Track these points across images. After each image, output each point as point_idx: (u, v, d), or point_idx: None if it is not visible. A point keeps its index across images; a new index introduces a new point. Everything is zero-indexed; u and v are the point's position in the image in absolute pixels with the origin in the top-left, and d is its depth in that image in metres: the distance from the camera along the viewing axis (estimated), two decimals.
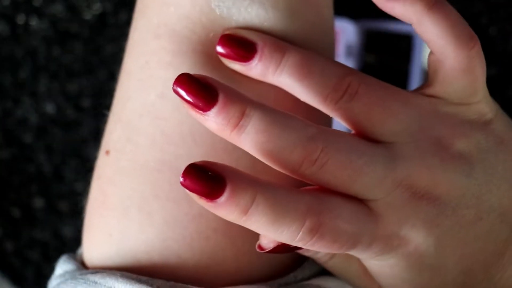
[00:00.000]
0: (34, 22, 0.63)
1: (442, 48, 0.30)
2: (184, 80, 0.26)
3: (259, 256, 0.31)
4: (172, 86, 0.26)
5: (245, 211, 0.26)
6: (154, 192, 0.30)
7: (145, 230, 0.30)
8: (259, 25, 0.29)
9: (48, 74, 0.63)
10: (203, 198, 0.25)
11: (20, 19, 0.63)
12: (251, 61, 0.29)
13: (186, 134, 0.29)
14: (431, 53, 0.31)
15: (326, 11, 0.32)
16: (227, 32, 0.29)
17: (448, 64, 0.30)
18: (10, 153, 0.64)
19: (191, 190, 0.25)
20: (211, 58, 0.30)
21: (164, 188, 0.30)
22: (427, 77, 0.32)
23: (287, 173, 0.27)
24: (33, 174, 0.64)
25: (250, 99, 0.27)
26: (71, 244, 0.65)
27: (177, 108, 0.30)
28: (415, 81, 0.63)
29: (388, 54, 0.63)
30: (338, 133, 0.28)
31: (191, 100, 0.26)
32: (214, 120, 0.26)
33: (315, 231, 0.26)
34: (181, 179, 0.25)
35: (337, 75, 0.29)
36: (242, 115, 0.26)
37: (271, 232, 0.26)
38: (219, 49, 0.29)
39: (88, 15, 0.62)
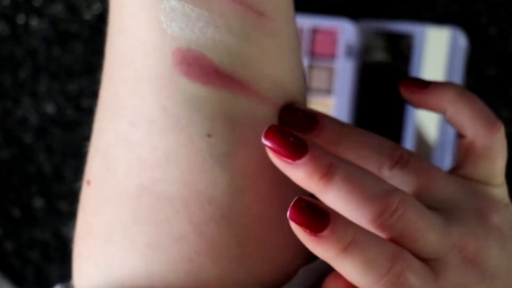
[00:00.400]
0: (34, 22, 0.63)
1: (475, 130, 0.32)
2: (273, 133, 0.28)
3: (245, 275, 0.31)
4: (262, 139, 0.28)
5: (344, 248, 0.27)
6: (135, 217, 0.30)
7: (129, 256, 0.30)
8: (213, 47, 0.29)
9: (48, 74, 0.63)
10: (308, 231, 0.27)
11: (20, 19, 0.63)
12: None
13: (161, 158, 0.30)
14: (461, 137, 0.33)
15: (285, 34, 0.31)
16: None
17: (480, 146, 0.32)
18: (10, 153, 0.64)
19: (297, 223, 0.27)
20: (171, 82, 0.29)
21: (144, 213, 0.30)
22: (457, 159, 0.34)
23: (365, 221, 0.28)
24: (33, 174, 0.64)
25: (333, 154, 0.29)
26: (71, 244, 0.65)
27: (149, 134, 0.30)
28: None
29: (388, 54, 0.63)
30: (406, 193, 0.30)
31: (281, 151, 0.28)
32: (303, 169, 0.28)
33: (397, 277, 0.27)
34: (289, 213, 0.27)
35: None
36: (330, 166, 0.28)
37: (359, 273, 0.27)
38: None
39: (88, 15, 0.62)
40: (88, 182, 0.32)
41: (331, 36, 0.62)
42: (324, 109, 0.63)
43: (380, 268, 0.27)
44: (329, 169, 0.28)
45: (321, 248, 0.27)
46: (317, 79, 0.63)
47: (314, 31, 0.62)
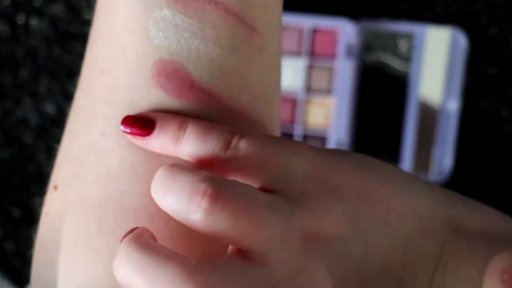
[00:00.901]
0: (34, 22, 0.63)
1: None
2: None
3: None
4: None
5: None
6: (100, 228, 0.30)
7: (92, 267, 0.30)
8: (197, 58, 0.29)
9: (49, 74, 0.63)
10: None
11: (20, 19, 0.63)
12: (150, 136, 0.30)
13: (129, 171, 0.30)
14: None
15: (271, 49, 0.32)
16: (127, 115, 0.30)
17: None
18: (10, 153, 0.64)
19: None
20: (147, 94, 0.30)
21: (110, 224, 0.30)
22: None
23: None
24: (33, 174, 0.64)
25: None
26: None
27: (119, 146, 0.30)
28: (415, 82, 0.63)
29: (388, 54, 0.63)
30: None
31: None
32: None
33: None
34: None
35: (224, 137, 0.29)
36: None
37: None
38: (122, 128, 0.30)
39: (88, 15, 0.62)
40: (55, 187, 0.32)
41: (331, 36, 0.62)
42: (323, 109, 0.63)
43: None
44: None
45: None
46: (317, 79, 0.63)
47: (314, 31, 0.62)
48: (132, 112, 0.30)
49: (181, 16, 0.29)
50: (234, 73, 0.30)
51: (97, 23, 0.31)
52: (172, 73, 0.29)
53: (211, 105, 0.30)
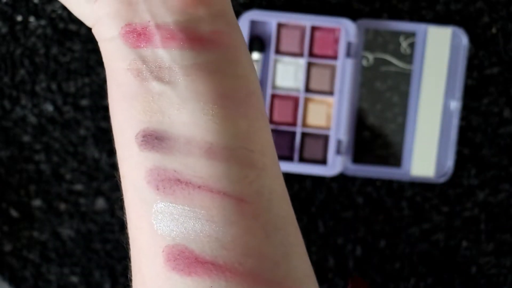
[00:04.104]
0: (32, 20, 0.62)
1: None
2: None
3: None
4: None
5: None
6: None
7: None
8: (196, 236, 0.32)
9: (47, 73, 0.63)
10: None
11: (19, 18, 0.62)
12: None
13: None
14: None
15: (267, 215, 0.33)
16: None
17: None
18: (9, 152, 0.64)
19: None
20: (166, 279, 0.33)
21: None
22: None
23: None
24: (31, 174, 0.64)
25: None
26: (69, 244, 0.65)
27: None
28: (416, 81, 0.63)
29: (389, 53, 0.63)
30: None
31: None
32: None
33: None
34: None
35: None
36: None
37: None
38: None
39: None
40: None
41: (332, 35, 0.62)
42: (324, 108, 0.63)
43: None
44: None
45: None
46: (317, 78, 0.63)
47: (315, 30, 0.62)
48: None
49: (173, 205, 0.32)
50: (233, 242, 0.32)
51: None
52: (178, 255, 0.32)
53: (219, 275, 0.32)
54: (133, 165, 0.33)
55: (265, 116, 0.35)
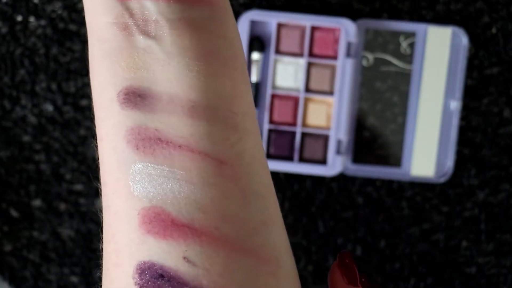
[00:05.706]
0: (32, 20, 0.62)
1: None
2: None
3: None
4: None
5: None
6: None
7: None
8: (173, 198, 0.31)
9: (47, 73, 0.63)
10: None
11: (19, 17, 0.62)
12: None
13: None
14: None
15: (247, 179, 0.33)
16: None
17: None
18: (9, 152, 0.64)
19: None
20: (142, 243, 0.32)
21: None
22: None
23: None
24: (31, 174, 0.64)
25: None
26: (69, 244, 0.65)
27: None
28: (416, 81, 0.63)
29: (389, 53, 0.63)
30: None
31: None
32: None
33: None
34: None
35: None
36: None
37: None
38: None
39: None
40: None
41: (332, 35, 0.62)
42: (324, 108, 0.63)
43: None
44: None
45: None
46: (317, 78, 0.63)
47: (315, 30, 0.62)
48: (135, 261, 0.31)
49: (153, 165, 0.31)
50: (211, 205, 0.31)
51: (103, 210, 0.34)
52: (154, 217, 0.31)
53: (195, 239, 0.31)
54: (113, 125, 0.32)
55: (249, 81, 0.34)
